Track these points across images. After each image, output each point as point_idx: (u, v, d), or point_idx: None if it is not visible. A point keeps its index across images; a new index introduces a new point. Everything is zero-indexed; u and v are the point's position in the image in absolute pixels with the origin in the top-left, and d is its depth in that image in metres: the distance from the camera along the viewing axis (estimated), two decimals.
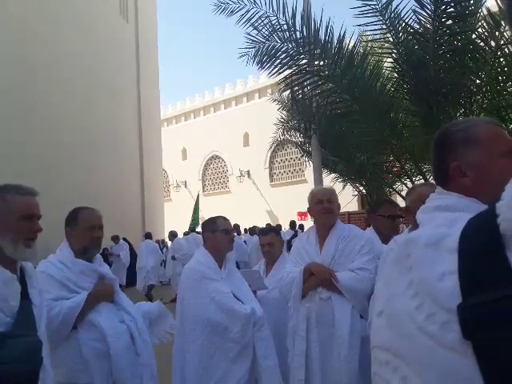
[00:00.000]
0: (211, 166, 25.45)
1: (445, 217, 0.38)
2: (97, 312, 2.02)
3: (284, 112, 9.63)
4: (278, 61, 4.93)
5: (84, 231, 2.12)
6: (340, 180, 8.99)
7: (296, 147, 10.59)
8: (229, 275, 2.55)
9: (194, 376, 2.33)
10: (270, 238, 3.04)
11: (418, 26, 5.21)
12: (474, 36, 4.85)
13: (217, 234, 2.57)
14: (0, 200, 1.52)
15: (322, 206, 2.52)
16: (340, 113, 5.58)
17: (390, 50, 5.58)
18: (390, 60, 5.73)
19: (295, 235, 9.79)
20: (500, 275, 0.28)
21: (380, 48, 6.31)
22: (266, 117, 16.47)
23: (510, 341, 0.26)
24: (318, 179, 6.38)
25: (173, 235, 10.26)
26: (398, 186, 7.51)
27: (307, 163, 9.24)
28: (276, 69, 4.97)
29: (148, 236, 10.73)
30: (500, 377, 0.26)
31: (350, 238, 2.50)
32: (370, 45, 6.54)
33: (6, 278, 1.47)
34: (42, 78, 10.81)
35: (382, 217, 2.76)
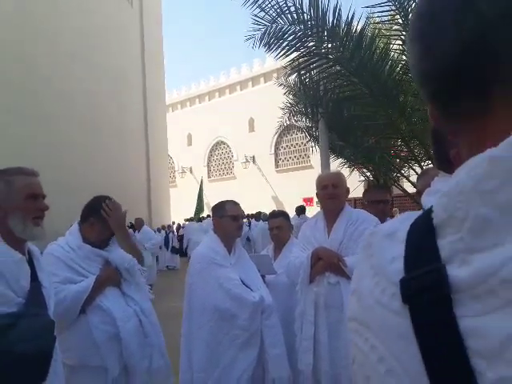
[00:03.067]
0: (216, 151, 25.41)
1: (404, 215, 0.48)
2: (104, 296, 2.05)
3: (290, 96, 9.50)
4: (286, 43, 4.84)
5: (108, 227, 2.16)
6: (347, 165, 8.92)
7: (302, 132, 10.48)
8: (238, 261, 2.51)
9: (202, 362, 2.32)
10: (279, 222, 3.01)
11: None
12: None
13: (224, 220, 2.53)
14: (4, 183, 1.53)
15: (326, 191, 2.50)
16: (348, 96, 5.50)
17: (398, 32, 5.47)
18: (399, 42, 5.61)
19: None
20: (429, 256, 0.38)
21: (388, 30, 6.18)
22: (272, 102, 16.34)
23: (429, 304, 0.36)
24: (325, 164, 6.33)
25: (139, 224, 9.60)
26: (405, 170, 7.45)
27: (313, 148, 9.17)
28: (283, 51, 4.89)
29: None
30: (422, 331, 0.36)
31: (359, 222, 2.48)
32: (378, 27, 6.41)
33: (16, 259, 1.48)
34: (44, 64, 10.74)
35: (368, 202, 2.87)
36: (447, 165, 1.16)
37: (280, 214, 3.13)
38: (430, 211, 0.42)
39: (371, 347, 0.41)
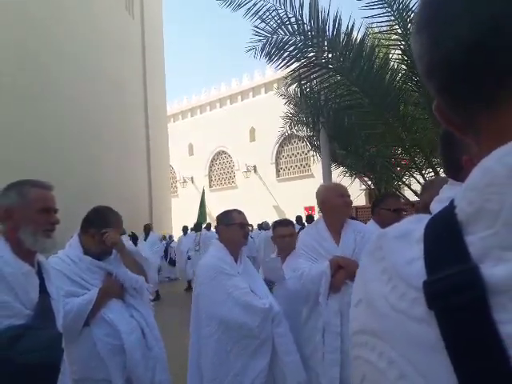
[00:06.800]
0: (218, 161, 25.46)
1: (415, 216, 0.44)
2: (107, 308, 2.04)
3: (291, 106, 9.56)
4: (287, 53, 4.88)
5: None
6: (348, 174, 8.94)
7: (303, 141, 10.51)
8: (244, 270, 2.51)
9: (211, 371, 2.30)
10: (291, 230, 3.01)
11: None
12: None
13: (232, 228, 2.54)
14: (18, 194, 1.55)
15: (344, 199, 2.54)
16: (349, 105, 5.52)
17: (398, 42, 5.51)
18: (399, 52, 5.65)
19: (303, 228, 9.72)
20: (457, 254, 0.34)
21: (387, 40, 6.23)
22: (273, 111, 16.42)
23: (462, 308, 0.32)
24: (327, 173, 6.33)
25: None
26: (406, 179, 7.44)
27: (315, 158, 9.20)
28: (284, 61, 4.93)
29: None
30: (453, 340, 0.32)
31: (364, 231, 2.55)
32: (378, 37, 6.47)
33: (25, 271, 1.50)
34: (47, 75, 10.83)
35: (387, 210, 2.79)
36: (457, 172, 1.14)
37: (290, 223, 3.15)
38: (451, 208, 0.38)
39: (389, 362, 0.36)
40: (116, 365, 1.97)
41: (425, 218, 0.41)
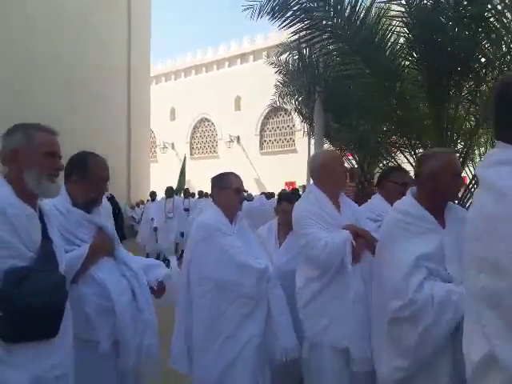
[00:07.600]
0: (200, 128, 24.94)
1: None
2: (97, 267, 1.89)
3: (281, 76, 9.24)
4: (291, 12, 4.62)
5: (94, 182, 1.98)
6: (337, 151, 8.81)
7: (289, 115, 10.27)
8: (239, 231, 2.47)
9: (201, 331, 2.28)
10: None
11: None
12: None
13: (226, 192, 2.48)
14: (24, 136, 1.52)
15: (345, 169, 2.50)
16: (348, 75, 5.36)
17: (400, 14, 5.31)
18: (401, 25, 5.46)
19: None
20: None
21: (389, 10, 6.01)
22: (260, 81, 16.08)
23: None
24: (319, 144, 6.18)
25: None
26: (398, 158, 7.39)
27: (303, 129, 9.03)
28: (287, 21, 4.67)
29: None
30: None
31: (352, 204, 2.55)
32: (383, 6, 6.23)
33: (29, 213, 1.48)
34: (22, 29, 10.19)
35: (395, 184, 2.71)
36: None
37: (296, 199, 3.01)
38: None
39: None
40: (103, 326, 1.84)
41: None
